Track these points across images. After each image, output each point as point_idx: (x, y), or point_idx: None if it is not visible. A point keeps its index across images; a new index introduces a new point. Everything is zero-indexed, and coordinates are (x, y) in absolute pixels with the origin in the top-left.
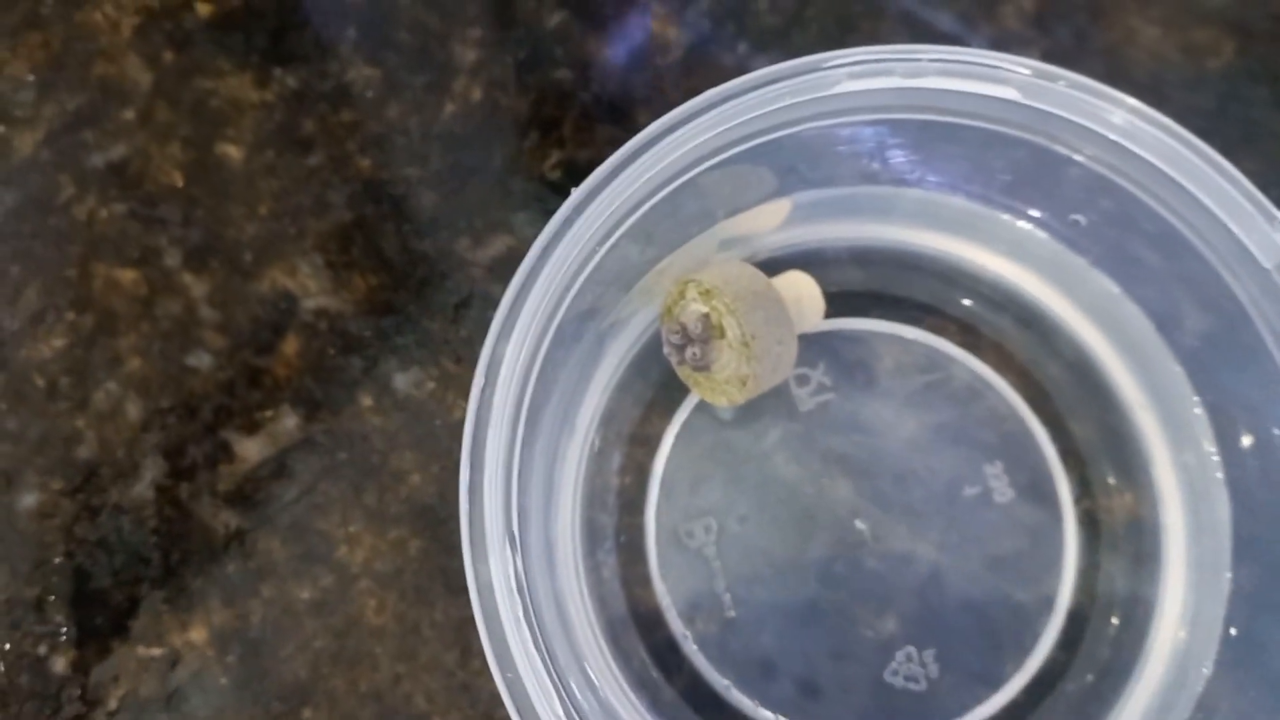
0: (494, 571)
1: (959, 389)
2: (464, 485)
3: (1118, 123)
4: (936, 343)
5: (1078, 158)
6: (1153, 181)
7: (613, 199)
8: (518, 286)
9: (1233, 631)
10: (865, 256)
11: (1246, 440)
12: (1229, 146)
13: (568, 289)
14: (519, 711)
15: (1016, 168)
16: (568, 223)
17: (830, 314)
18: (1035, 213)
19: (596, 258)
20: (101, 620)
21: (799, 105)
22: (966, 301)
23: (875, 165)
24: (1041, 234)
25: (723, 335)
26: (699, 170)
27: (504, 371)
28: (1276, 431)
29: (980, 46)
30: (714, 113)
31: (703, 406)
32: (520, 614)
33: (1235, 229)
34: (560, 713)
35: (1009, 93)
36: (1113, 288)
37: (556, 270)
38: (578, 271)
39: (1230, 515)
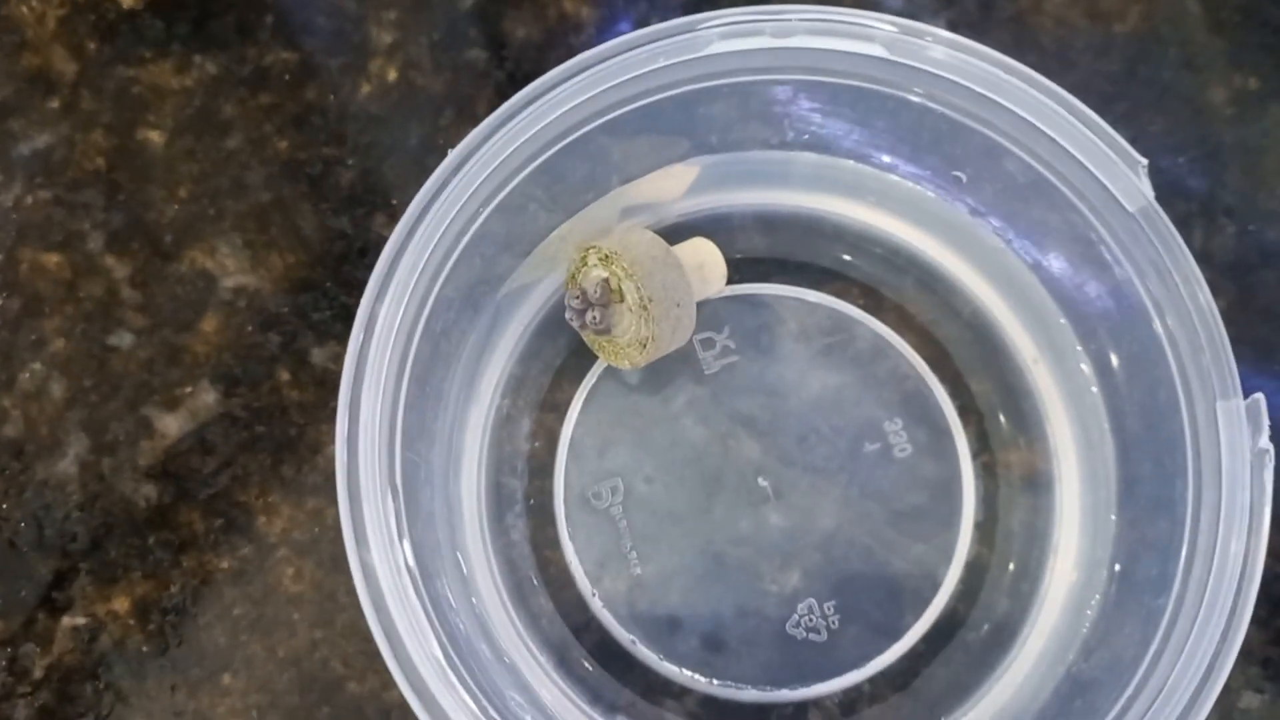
0: (370, 519)
1: (861, 350)
2: (340, 435)
3: (983, 76)
4: (839, 306)
5: (949, 112)
6: (1020, 133)
7: (491, 159)
8: (399, 239)
9: (1117, 568)
10: (769, 222)
11: (1125, 385)
12: (1138, 109)
13: (457, 240)
14: (394, 655)
15: (895, 126)
16: (446, 182)
17: (735, 279)
18: (921, 171)
19: (482, 217)
20: (26, 592)
21: (676, 67)
22: (867, 265)
23: (768, 130)
24: (929, 192)
25: (622, 299)
26: (582, 132)
27: (380, 327)
28: (1145, 379)
29: None
30: (592, 71)
31: (611, 372)
32: (400, 562)
33: (1100, 175)
34: (440, 657)
35: (875, 49)
36: (997, 242)
37: (436, 227)
38: (463, 230)
39: (1115, 459)
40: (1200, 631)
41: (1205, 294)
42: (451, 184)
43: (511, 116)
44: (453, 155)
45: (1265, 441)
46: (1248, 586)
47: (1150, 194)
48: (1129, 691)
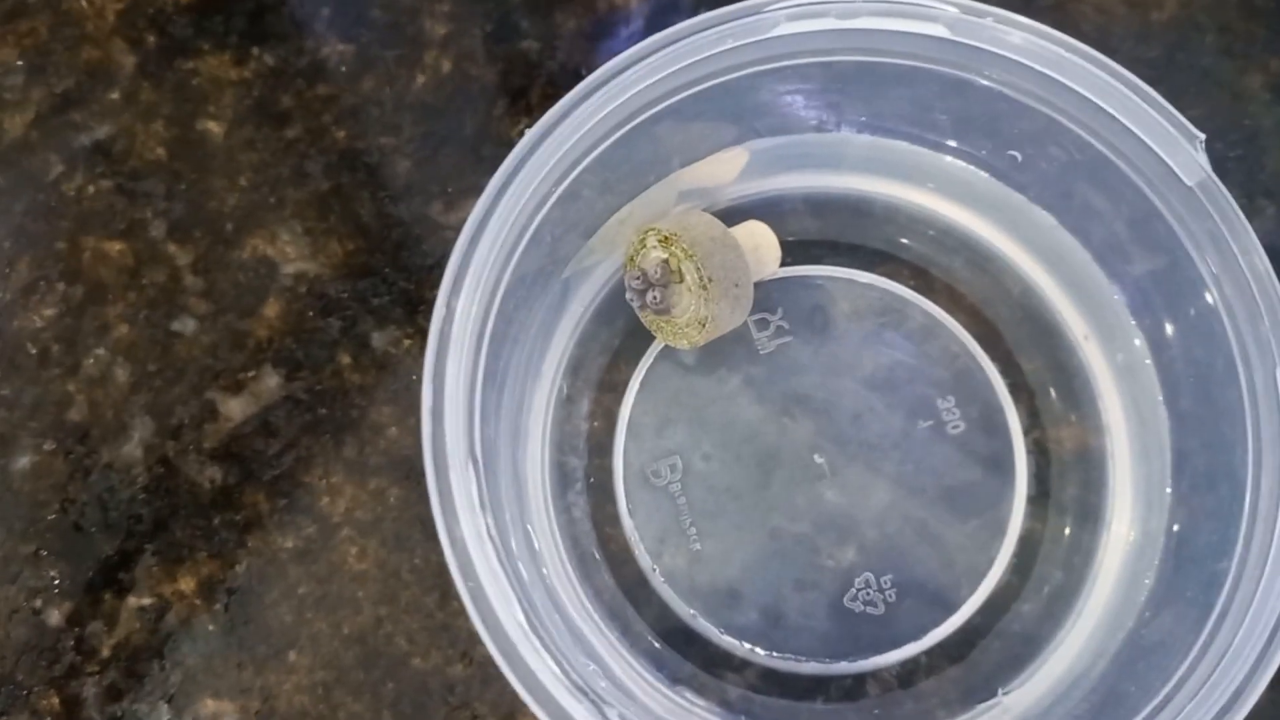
0: (456, 488)
1: (913, 329)
2: (426, 407)
3: (1044, 54)
4: (890, 286)
5: (1008, 92)
6: (1080, 111)
7: (565, 139)
8: (480, 215)
9: (1175, 537)
10: (820, 205)
11: (1180, 358)
12: (1176, 93)
13: (528, 224)
14: (482, 619)
15: (952, 107)
16: (524, 160)
17: (788, 261)
18: (975, 152)
19: (555, 195)
20: (94, 574)
21: (742, 49)
22: (918, 246)
23: (823, 114)
24: (983, 173)
25: (681, 279)
26: (651, 113)
27: (463, 300)
28: (1201, 351)
29: None
30: (658, 55)
31: (667, 353)
32: (484, 531)
33: (1159, 150)
34: (524, 622)
35: (938, 29)
36: (1050, 220)
37: (516, 201)
38: (538, 207)
39: (1170, 432)
40: (1266, 591)
41: (1265, 262)
42: (520, 174)
43: (586, 97)
44: (531, 133)
45: None
46: None
47: (1208, 167)
48: (1194, 654)
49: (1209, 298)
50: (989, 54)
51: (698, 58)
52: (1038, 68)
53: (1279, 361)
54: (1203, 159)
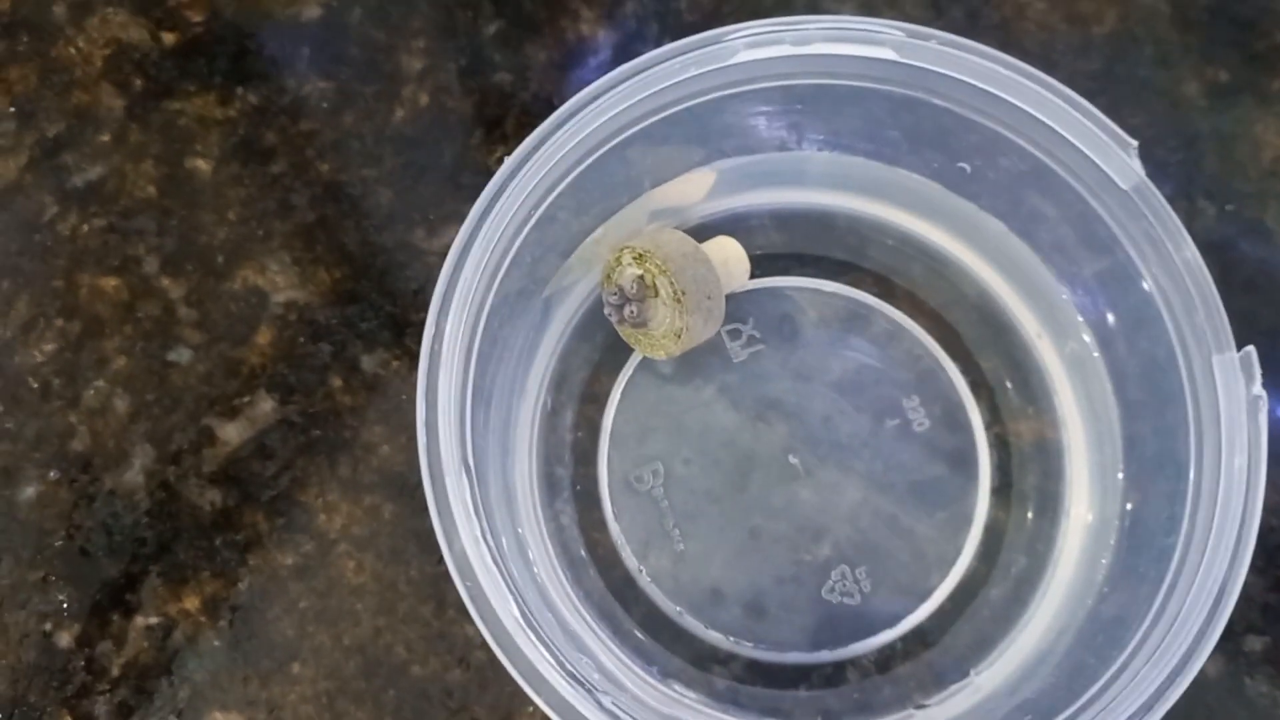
0: (452, 494)
1: (877, 334)
2: (420, 420)
3: (984, 72)
4: (854, 294)
5: (955, 108)
6: (1022, 124)
7: (542, 164)
8: (464, 239)
9: (1128, 518)
10: (785, 220)
11: (1125, 350)
12: (1116, 103)
13: (510, 246)
14: (480, 615)
15: (904, 124)
16: (503, 186)
17: (757, 274)
18: (928, 165)
19: (534, 218)
20: (101, 596)
21: (705, 76)
22: (879, 255)
23: (785, 134)
24: (936, 185)
25: (656, 294)
26: (622, 138)
27: (451, 319)
28: (1145, 343)
29: None
30: (627, 84)
31: (646, 364)
32: (478, 534)
33: (1096, 158)
34: (519, 617)
35: (885, 53)
36: (1000, 227)
37: (497, 225)
38: (518, 230)
39: (1119, 420)
40: (1210, 560)
41: (1196, 256)
42: (500, 199)
43: (560, 125)
44: (509, 160)
45: (1258, 389)
46: (1250, 519)
47: (1142, 172)
48: (1146, 624)
49: (1148, 290)
50: (934, 74)
51: (664, 85)
52: (980, 85)
53: (1214, 349)
54: (1136, 164)
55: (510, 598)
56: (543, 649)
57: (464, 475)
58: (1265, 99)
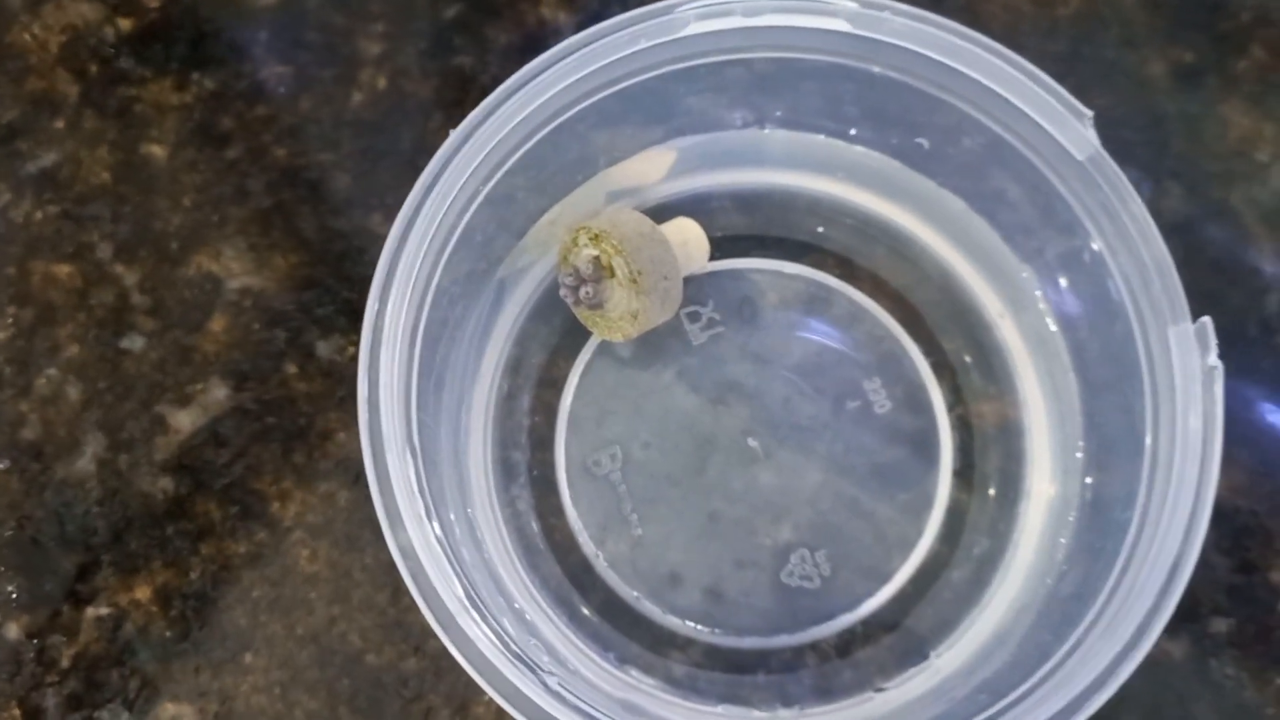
0: (394, 471)
1: (838, 316)
2: (362, 396)
3: (939, 43)
4: (816, 275)
5: (911, 81)
6: (978, 96)
7: (489, 138)
8: (409, 212)
9: (1087, 496)
10: (745, 201)
11: (1084, 325)
12: (1083, 85)
13: (457, 222)
14: (422, 595)
15: (861, 99)
16: (449, 160)
17: (717, 255)
18: (886, 141)
19: (483, 194)
20: (51, 586)
21: (656, 49)
22: (840, 236)
23: (745, 112)
24: (895, 162)
25: (612, 274)
26: (574, 112)
27: (394, 292)
28: (1102, 318)
29: None
30: (576, 56)
31: (604, 348)
32: (421, 513)
33: (1051, 129)
34: (462, 596)
35: (839, 24)
36: (961, 205)
37: (443, 200)
38: (465, 205)
39: (1080, 397)
40: (1166, 530)
41: (1152, 227)
42: (445, 174)
43: (499, 105)
44: (454, 134)
45: (1214, 359)
46: (1205, 488)
47: (1097, 142)
48: (1102, 599)
49: (1107, 263)
50: (890, 46)
51: (614, 57)
52: (936, 57)
53: (1170, 319)
54: (1092, 134)
55: (455, 577)
56: (486, 628)
57: (408, 454)
58: (1231, 80)
